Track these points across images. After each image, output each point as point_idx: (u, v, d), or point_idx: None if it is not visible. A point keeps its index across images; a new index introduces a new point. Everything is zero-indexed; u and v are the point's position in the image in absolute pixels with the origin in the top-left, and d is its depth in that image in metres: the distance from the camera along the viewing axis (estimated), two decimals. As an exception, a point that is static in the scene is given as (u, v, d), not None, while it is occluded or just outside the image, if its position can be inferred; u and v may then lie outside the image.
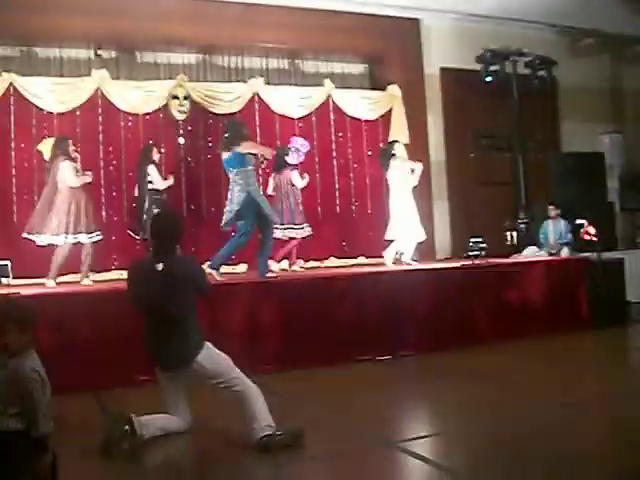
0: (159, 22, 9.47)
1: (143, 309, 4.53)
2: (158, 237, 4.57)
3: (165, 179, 8.74)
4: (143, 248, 8.34)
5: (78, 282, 8.05)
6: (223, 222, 7.70)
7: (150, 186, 8.58)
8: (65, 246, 7.83)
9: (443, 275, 8.15)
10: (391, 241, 9.13)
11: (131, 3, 9.44)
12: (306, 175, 9.38)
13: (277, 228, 8.55)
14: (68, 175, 7.85)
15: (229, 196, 7.65)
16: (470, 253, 9.39)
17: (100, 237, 8.02)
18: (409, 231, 9.05)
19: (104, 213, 9.32)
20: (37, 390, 3.53)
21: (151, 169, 8.60)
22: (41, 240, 7.77)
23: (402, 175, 9.14)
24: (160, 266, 4.41)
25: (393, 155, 9.26)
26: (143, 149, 8.93)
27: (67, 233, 7.77)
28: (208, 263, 7.44)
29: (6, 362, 3.58)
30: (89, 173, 8.15)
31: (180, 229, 4.71)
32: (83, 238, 7.86)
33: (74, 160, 8.03)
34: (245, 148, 7.59)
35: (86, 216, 7.89)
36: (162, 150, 9.44)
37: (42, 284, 7.79)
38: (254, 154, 7.85)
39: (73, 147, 8.10)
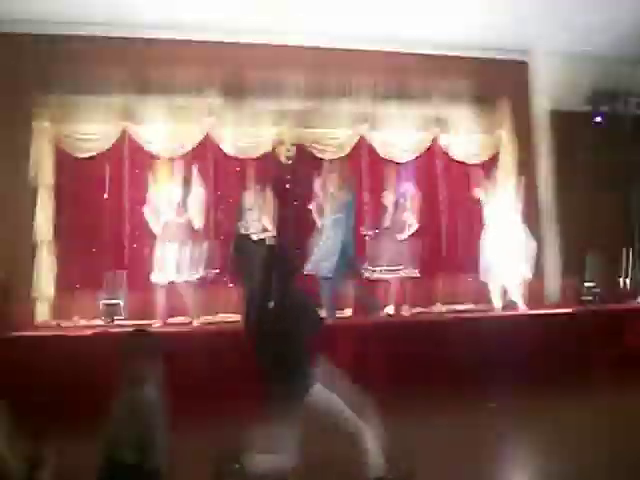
0: (267, 70, 9.78)
1: (255, 344, 4.54)
2: (269, 273, 4.56)
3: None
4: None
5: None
6: None
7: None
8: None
9: (555, 320, 7.96)
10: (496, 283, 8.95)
11: (238, 51, 9.75)
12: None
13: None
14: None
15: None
16: (584, 298, 9.17)
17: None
18: (506, 270, 8.81)
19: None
20: (155, 421, 3.56)
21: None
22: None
23: (500, 210, 8.99)
24: (272, 303, 4.43)
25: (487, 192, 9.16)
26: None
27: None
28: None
29: (128, 391, 3.63)
30: None
31: (295, 263, 4.87)
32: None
33: None
34: None
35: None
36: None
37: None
38: None
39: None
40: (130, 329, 6.54)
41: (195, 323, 8.20)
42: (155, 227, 8.35)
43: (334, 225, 8.36)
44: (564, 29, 10.20)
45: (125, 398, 3.62)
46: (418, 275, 9.12)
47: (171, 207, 8.33)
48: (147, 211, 8.42)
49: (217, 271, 8.56)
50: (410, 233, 9.22)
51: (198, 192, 8.45)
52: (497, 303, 8.89)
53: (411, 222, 9.20)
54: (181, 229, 8.29)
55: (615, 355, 7.68)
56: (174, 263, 8.11)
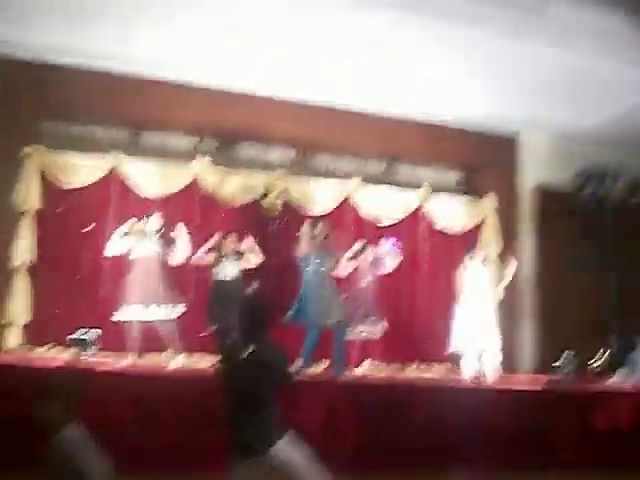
0: (257, 118, 9.85)
1: (226, 390, 4.51)
2: (245, 322, 4.57)
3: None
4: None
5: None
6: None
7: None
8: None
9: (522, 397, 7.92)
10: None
11: (233, 99, 9.81)
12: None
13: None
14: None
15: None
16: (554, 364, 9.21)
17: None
18: (476, 341, 8.77)
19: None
20: (83, 465, 3.43)
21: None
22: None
23: (477, 278, 8.99)
24: (246, 353, 4.42)
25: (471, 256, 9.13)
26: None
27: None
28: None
29: (52, 434, 3.50)
30: None
31: (270, 315, 4.70)
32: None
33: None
34: None
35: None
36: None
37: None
38: None
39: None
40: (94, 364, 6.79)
41: (171, 364, 8.06)
42: (132, 261, 8.22)
43: (317, 275, 8.27)
44: (555, 109, 10.46)
45: (52, 442, 3.53)
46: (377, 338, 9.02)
47: (150, 243, 8.23)
48: (124, 244, 8.30)
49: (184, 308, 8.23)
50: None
51: (179, 231, 8.34)
52: (466, 374, 8.81)
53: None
54: (159, 265, 8.18)
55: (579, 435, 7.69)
56: (150, 299, 7.97)
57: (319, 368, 9.05)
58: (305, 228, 8.37)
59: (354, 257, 8.89)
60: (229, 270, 8.46)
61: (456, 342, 8.88)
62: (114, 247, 8.24)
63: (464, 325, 8.85)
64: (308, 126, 10.12)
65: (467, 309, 8.91)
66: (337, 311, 7.92)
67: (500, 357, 8.94)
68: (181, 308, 8.11)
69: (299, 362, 7.56)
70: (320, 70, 9.63)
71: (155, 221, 8.32)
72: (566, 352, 9.13)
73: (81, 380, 3.88)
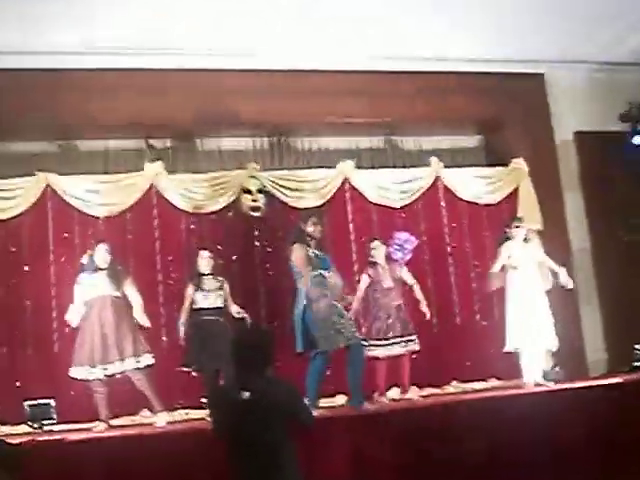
0: (222, 101, 9.53)
1: (228, 443, 4.36)
2: (243, 356, 4.43)
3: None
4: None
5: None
6: None
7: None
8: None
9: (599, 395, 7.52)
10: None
11: (186, 82, 9.45)
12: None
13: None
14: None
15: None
16: (636, 364, 9.11)
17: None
18: (534, 338, 8.61)
19: (164, 338, 9.00)
20: None
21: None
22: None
23: (528, 267, 8.78)
24: (246, 394, 4.25)
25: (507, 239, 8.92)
26: None
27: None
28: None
29: None
30: None
31: (271, 345, 4.57)
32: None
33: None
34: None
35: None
36: (233, 257, 9.39)
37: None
38: None
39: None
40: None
41: (161, 419, 7.77)
42: (83, 305, 7.82)
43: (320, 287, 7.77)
44: (588, 36, 10.16)
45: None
46: (417, 348, 8.76)
47: (103, 277, 7.83)
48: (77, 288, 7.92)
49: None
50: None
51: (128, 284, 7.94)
52: (529, 378, 8.61)
53: (411, 281, 8.88)
54: (118, 306, 7.80)
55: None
56: (112, 349, 7.59)
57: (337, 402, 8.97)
58: (298, 229, 7.85)
59: (372, 264, 8.83)
60: (211, 297, 8.32)
61: (513, 340, 8.73)
62: (75, 314, 7.86)
63: (518, 319, 8.67)
64: (280, 101, 9.70)
65: (517, 300, 8.73)
66: (346, 331, 7.46)
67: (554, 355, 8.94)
68: (148, 358, 7.74)
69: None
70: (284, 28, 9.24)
71: (102, 254, 7.91)
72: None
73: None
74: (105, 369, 7.52)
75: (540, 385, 8.47)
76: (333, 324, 7.35)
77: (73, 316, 7.77)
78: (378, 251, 8.84)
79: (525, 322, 8.58)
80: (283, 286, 9.44)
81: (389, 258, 8.86)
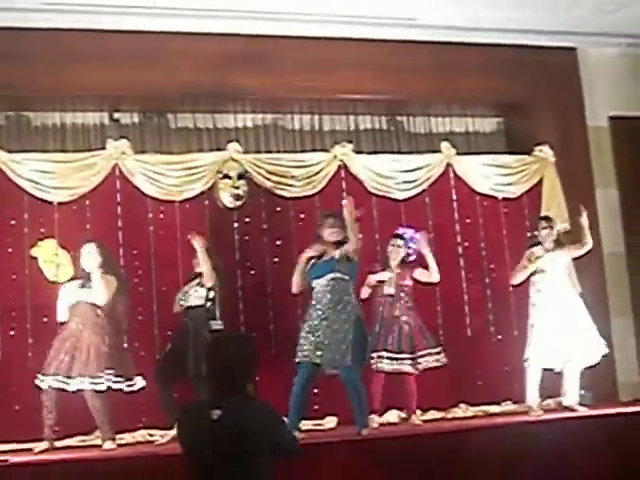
0: (199, 70, 9.50)
1: (191, 470, 4.29)
2: (217, 370, 4.38)
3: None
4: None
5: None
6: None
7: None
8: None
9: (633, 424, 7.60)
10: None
11: (159, 46, 9.43)
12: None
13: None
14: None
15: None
16: None
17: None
18: (566, 350, 8.68)
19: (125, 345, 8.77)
20: None
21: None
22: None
23: (556, 271, 8.83)
24: (217, 413, 4.16)
25: (538, 243, 9.00)
26: None
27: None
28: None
29: None
30: None
31: (251, 358, 4.48)
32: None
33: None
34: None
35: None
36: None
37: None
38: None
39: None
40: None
41: (107, 445, 7.70)
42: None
43: (332, 292, 7.84)
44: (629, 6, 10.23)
45: None
46: (445, 361, 8.86)
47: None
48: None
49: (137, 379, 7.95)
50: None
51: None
52: (569, 400, 8.78)
53: (427, 276, 8.95)
54: (81, 309, 7.85)
55: None
56: (67, 361, 7.63)
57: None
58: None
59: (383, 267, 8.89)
60: (192, 300, 8.42)
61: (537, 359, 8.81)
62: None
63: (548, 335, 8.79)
64: (269, 73, 9.76)
65: (548, 308, 8.85)
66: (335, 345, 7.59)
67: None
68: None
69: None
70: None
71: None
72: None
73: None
74: (67, 384, 7.56)
75: (571, 410, 8.58)
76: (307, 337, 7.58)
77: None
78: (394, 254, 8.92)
79: (562, 334, 8.66)
80: (267, 287, 9.60)
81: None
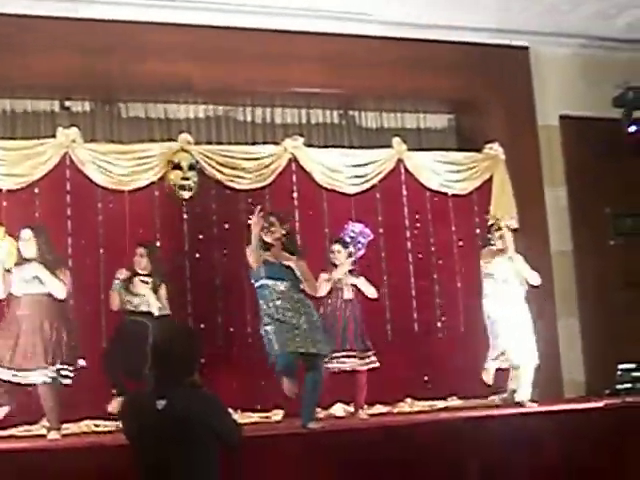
0: (152, 60, 9.50)
1: (136, 460, 4.40)
2: (162, 361, 4.45)
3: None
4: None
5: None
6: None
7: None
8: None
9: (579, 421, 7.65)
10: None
11: (111, 35, 9.43)
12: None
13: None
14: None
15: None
16: (618, 387, 9.21)
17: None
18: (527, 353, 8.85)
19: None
20: None
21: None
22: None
23: (507, 274, 8.99)
24: (161, 403, 4.28)
25: (491, 244, 9.14)
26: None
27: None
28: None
29: None
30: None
31: (196, 348, 4.61)
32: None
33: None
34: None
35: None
36: (157, 244, 9.32)
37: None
38: None
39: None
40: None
41: (52, 435, 7.66)
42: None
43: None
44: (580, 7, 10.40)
45: None
46: (376, 365, 8.84)
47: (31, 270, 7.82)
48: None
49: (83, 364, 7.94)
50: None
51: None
52: (521, 396, 8.87)
53: (367, 288, 9.01)
54: (44, 305, 7.80)
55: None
56: (21, 351, 7.59)
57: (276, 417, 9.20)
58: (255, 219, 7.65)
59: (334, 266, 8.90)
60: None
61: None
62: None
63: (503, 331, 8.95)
64: (222, 64, 9.80)
65: (500, 309, 9.01)
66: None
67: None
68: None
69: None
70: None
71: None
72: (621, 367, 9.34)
73: None
74: (15, 375, 7.56)
75: (522, 406, 8.72)
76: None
77: None
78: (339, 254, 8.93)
79: (513, 335, 8.83)
80: (216, 280, 9.67)
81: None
